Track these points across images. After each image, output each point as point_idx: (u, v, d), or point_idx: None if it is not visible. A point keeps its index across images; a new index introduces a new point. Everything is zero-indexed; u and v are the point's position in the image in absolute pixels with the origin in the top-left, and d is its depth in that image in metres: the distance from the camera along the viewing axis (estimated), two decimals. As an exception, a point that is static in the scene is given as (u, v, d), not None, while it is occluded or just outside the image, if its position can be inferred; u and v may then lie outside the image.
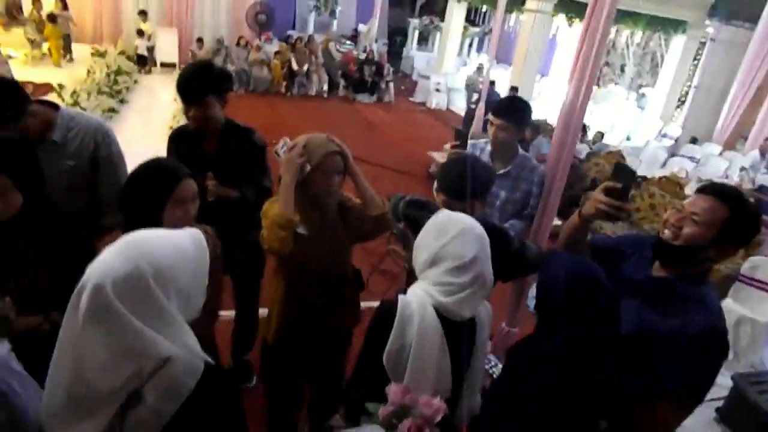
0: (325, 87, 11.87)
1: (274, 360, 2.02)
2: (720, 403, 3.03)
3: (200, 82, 2.19)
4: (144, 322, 1.00)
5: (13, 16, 8.89)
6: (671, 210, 1.59)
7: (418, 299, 1.42)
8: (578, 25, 10.55)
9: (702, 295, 1.51)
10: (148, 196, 1.51)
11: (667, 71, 11.31)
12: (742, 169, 7.84)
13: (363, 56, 12.60)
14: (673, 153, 9.20)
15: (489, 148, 2.62)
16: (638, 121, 11.34)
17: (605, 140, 8.95)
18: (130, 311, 0.98)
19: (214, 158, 2.27)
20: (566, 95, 2.53)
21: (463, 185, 1.81)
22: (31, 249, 1.54)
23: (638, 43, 13.13)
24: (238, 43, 11.41)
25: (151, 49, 10.37)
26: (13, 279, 1.50)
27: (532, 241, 2.55)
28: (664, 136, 10.50)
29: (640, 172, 7.58)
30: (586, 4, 2.47)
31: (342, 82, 12.18)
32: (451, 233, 1.41)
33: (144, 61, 10.31)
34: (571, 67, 2.53)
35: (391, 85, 12.32)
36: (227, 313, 2.66)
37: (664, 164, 8.36)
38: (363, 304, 2.13)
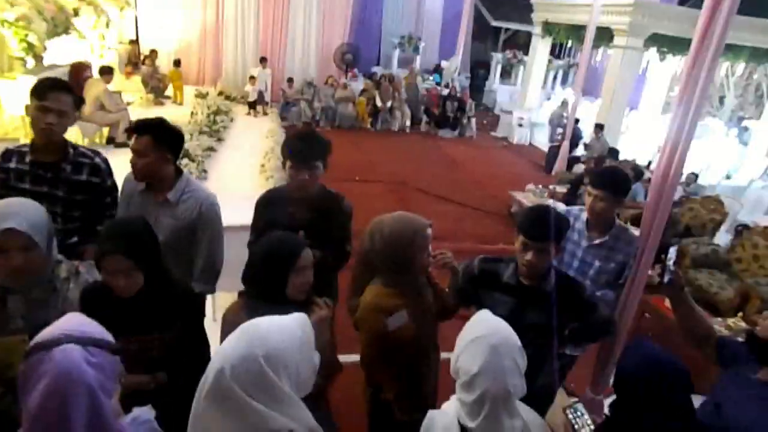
0: (408, 122, 12.17)
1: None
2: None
3: (312, 147, 2.38)
4: (260, 402, 1.12)
5: (135, 65, 9.98)
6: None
7: (445, 422, 1.35)
8: (670, 60, 10.15)
9: None
10: (273, 269, 1.69)
11: (774, 103, 10.54)
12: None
13: (445, 92, 12.81)
14: (781, 194, 8.51)
15: (584, 216, 2.62)
16: (740, 158, 10.59)
17: (701, 180, 8.47)
18: (246, 393, 1.11)
19: (308, 221, 2.39)
20: (665, 136, 2.42)
21: (541, 228, 1.91)
22: (150, 321, 1.72)
23: (740, 75, 12.35)
24: (326, 82, 12.03)
25: (261, 94, 11.18)
26: (134, 345, 1.69)
27: (628, 292, 2.53)
28: (771, 174, 9.74)
29: (741, 217, 7.10)
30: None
31: (424, 118, 12.42)
32: (464, 342, 1.36)
33: (253, 106, 11.03)
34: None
35: (473, 120, 12.39)
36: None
37: (770, 208, 7.75)
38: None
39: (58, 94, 2.23)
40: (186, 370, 1.78)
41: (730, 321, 3.63)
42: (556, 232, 1.96)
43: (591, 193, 2.52)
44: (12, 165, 2.30)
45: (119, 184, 2.54)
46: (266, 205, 2.53)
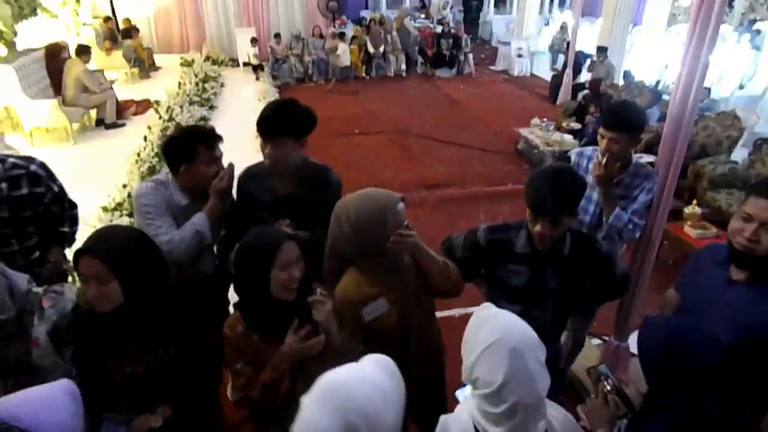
0: (403, 66, 11.75)
1: None
2: None
3: (278, 119, 2.09)
4: None
5: (114, 40, 9.56)
6: (738, 220, 1.55)
7: (461, 428, 1.22)
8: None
9: None
10: (254, 263, 1.54)
11: (787, 2, 9.89)
12: None
13: (439, 29, 12.27)
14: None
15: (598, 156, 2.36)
16: (754, 65, 10.06)
17: (714, 93, 8.08)
18: None
19: (291, 201, 2.19)
20: (682, 57, 2.18)
21: (548, 203, 1.70)
22: (144, 337, 1.58)
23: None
24: (313, 34, 11.55)
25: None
26: (128, 367, 1.56)
27: (651, 225, 2.39)
28: (787, 79, 9.25)
29: (758, 129, 6.79)
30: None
31: (420, 59, 11.97)
32: (479, 348, 1.17)
33: (256, 69, 10.55)
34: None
35: (470, 56, 11.91)
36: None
37: (788, 116, 7.37)
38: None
39: None
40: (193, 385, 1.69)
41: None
42: (571, 201, 1.74)
43: (605, 136, 2.25)
44: None
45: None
46: (247, 181, 2.30)
